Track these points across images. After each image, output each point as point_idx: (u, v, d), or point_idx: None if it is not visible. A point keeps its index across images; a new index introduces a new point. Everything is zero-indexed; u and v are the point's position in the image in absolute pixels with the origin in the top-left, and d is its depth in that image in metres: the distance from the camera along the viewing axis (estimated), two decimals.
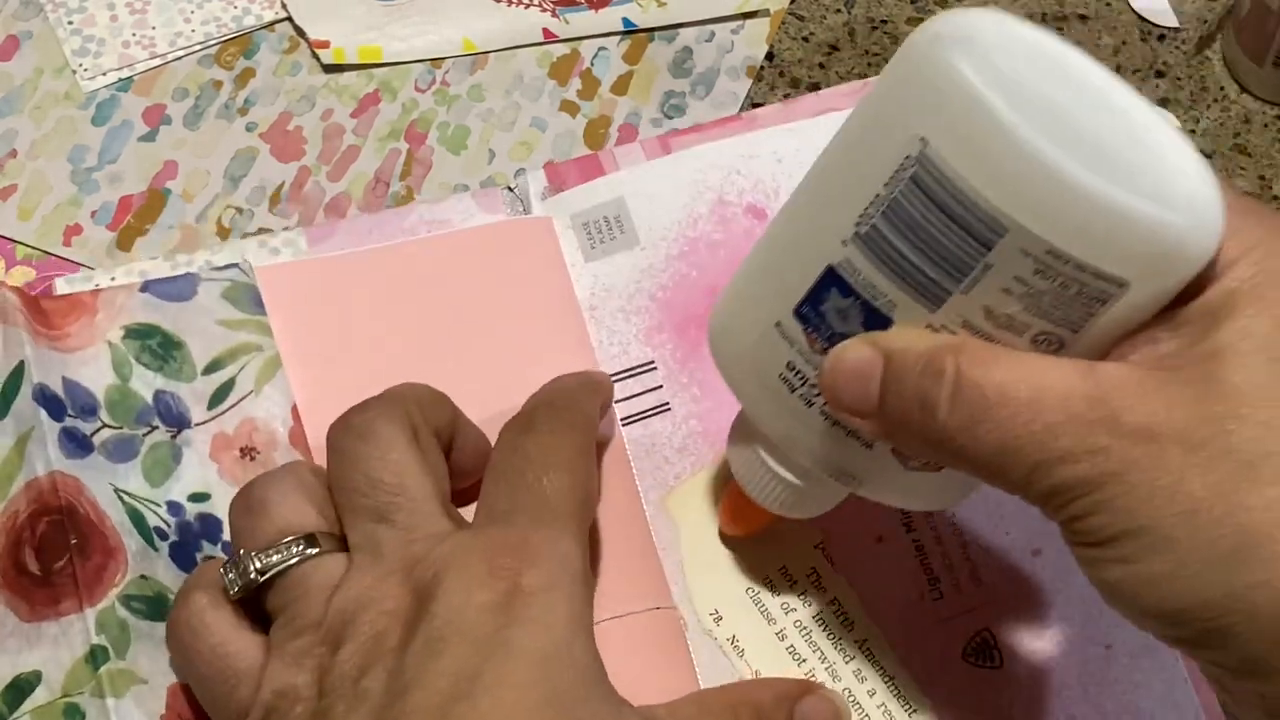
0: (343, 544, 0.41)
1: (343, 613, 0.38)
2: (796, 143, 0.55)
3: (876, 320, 0.36)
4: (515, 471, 0.41)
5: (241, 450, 0.47)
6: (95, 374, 0.47)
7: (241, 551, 0.40)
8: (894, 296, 0.35)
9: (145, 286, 0.49)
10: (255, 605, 0.41)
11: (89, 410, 0.46)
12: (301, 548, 0.40)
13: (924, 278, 0.34)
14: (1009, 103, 0.32)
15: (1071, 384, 0.33)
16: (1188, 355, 0.33)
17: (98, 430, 0.46)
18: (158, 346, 0.48)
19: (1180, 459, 0.32)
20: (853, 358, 0.36)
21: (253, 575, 0.40)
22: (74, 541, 0.43)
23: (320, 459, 0.47)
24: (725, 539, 0.48)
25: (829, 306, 0.37)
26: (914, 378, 0.34)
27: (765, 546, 0.48)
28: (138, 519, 0.45)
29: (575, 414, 0.44)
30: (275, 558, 0.40)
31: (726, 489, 0.47)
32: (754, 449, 0.43)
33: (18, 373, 0.46)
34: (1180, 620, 0.32)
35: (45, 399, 0.45)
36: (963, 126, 0.32)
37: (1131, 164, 0.32)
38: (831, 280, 0.36)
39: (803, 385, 0.39)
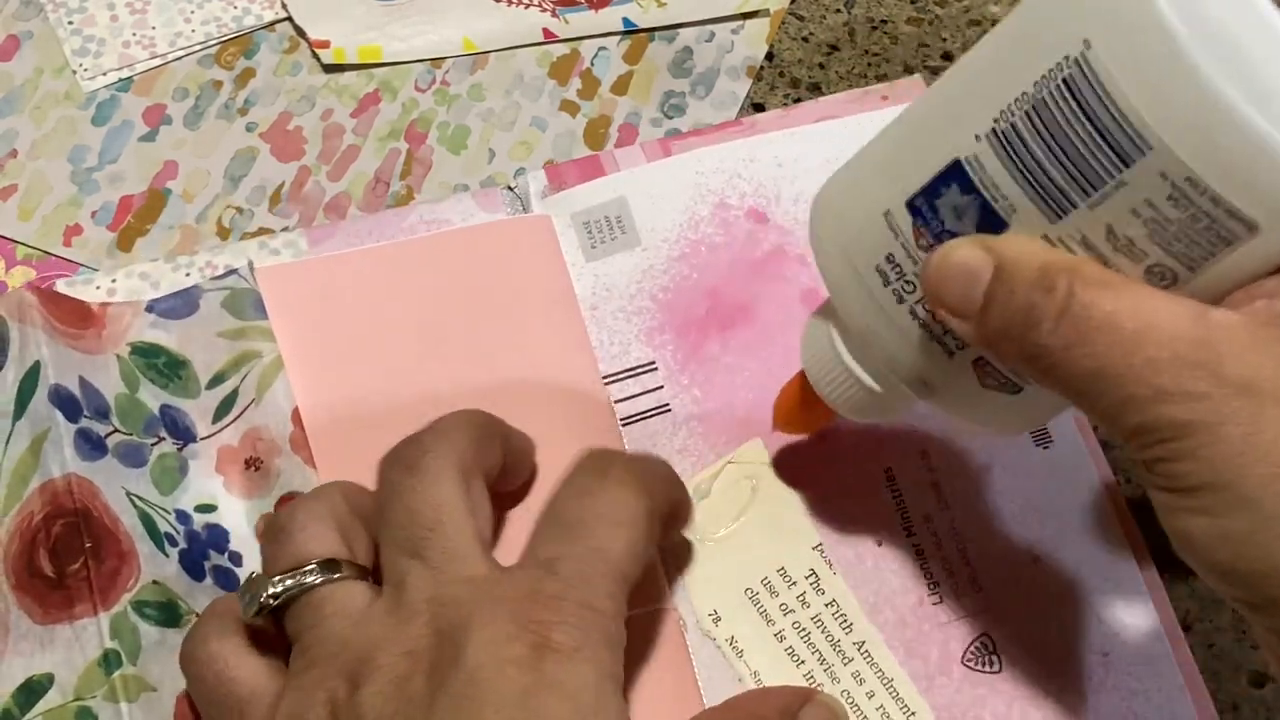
0: (366, 573, 0.40)
1: (360, 648, 0.38)
2: (798, 148, 0.55)
3: (992, 223, 0.35)
4: (576, 519, 0.40)
5: (246, 462, 0.48)
6: (107, 380, 0.48)
7: (257, 574, 0.40)
8: (1016, 201, 0.34)
9: (150, 307, 0.49)
10: (279, 635, 0.41)
11: (103, 413, 0.47)
12: (317, 573, 0.39)
13: (1053, 186, 0.33)
14: (1183, 19, 0.31)
15: (1181, 324, 0.32)
16: None
17: (111, 433, 0.46)
18: (163, 366, 0.49)
19: (1278, 419, 0.31)
20: (963, 255, 0.35)
21: (264, 598, 0.39)
22: (88, 545, 0.43)
23: (321, 460, 0.48)
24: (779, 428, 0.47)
25: (945, 202, 0.36)
26: (1024, 289, 0.34)
27: (764, 549, 0.48)
28: (149, 524, 0.45)
29: (655, 482, 0.43)
30: (289, 582, 0.39)
31: (789, 383, 0.46)
32: (831, 341, 0.42)
33: (33, 373, 0.46)
34: (1249, 583, 0.32)
35: (61, 399, 0.45)
36: (1131, 35, 0.31)
37: None
38: (955, 174, 0.35)
39: (899, 280, 0.38)
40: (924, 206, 0.36)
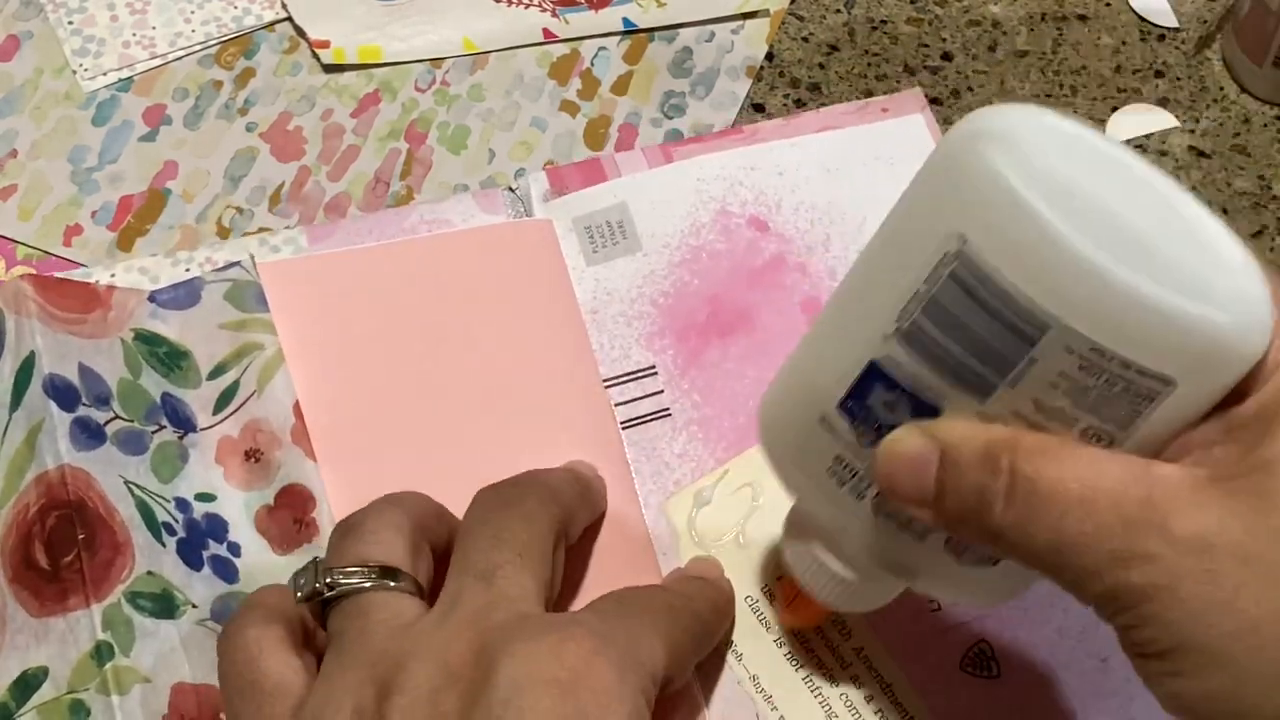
0: (423, 592, 0.40)
1: (397, 657, 0.37)
2: (798, 157, 0.55)
3: (925, 411, 0.35)
4: (640, 601, 0.41)
5: (246, 454, 0.48)
6: (110, 365, 0.48)
7: (319, 562, 0.40)
8: (941, 389, 0.35)
9: (152, 297, 0.49)
10: (318, 633, 0.41)
11: (103, 399, 0.47)
12: (377, 576, 0.39)
13: (970, 372, 0.34)
14: (1048, 201, 0.31)
15: (1124, 484, 0.32)
16: (1243, 463, 0.32)
17: (110, 420, 0.46)
18: (164, 355, 0.49)
19: (1235, 573, 0.30)
20: (908, 448, 0.35)
21: (319, 585, 0.39)
22: (82, 536, 0.44)
23: (322, 453, 0.48)
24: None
25: (875, 399, 0.36)
26: (972, 472, 0.34)
27: (766, 556, 0.48)
28: (147, 513, 0.45)
29: (698, 612, 0.44)
30: (348, 578, 0.39)
31: (780, 581, 0.47)
32: (807, 543, 0.42)
33: (28, 364, 0.46)
34: None
35: (56, 390, 0.46)
36: (1002, 225, 0.32)
37: (1174, 260, 0.31)
38: (876, 375, 0.36)
39: (852, 479, 0.38)
40: (855, 407, 0.37)
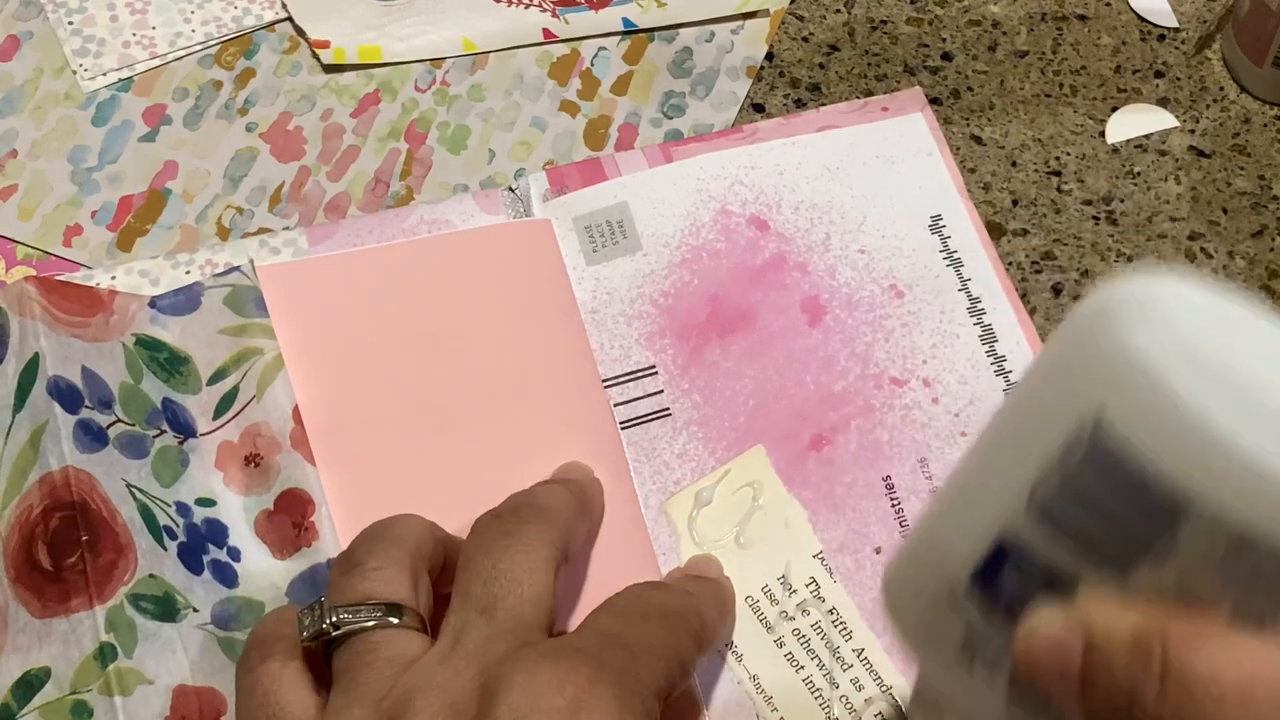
0: (425, 624, 0.40)
1: (402, 693, 0.37)
2: (798, 156, 0.55)
3: (1061, 588, 0.33)
4: (638, 610, 0.41)
5: (246, 458, 0.48)
6: (112, 368, 0.48)
7: (324, 602, 0.40)
8: (1077, 568, 0.33)
9: (153, 303, 0.49)
10: (323, 665, 0.41)
11: (105, 403, 0.47)
12: (382, 614, 0.39)
13: (1109, 551, 0.32)
14: (1191, 377, 0.30)
15: None
16: None
17: (112, 424, 0.46)
18: (165, 360, 0.49)
19: None
20: (1049, 631, 0.33)
21: (325, 626, 0.39)
22: (85, 538, 0.44)
23: (321, 457, 0.48)
24: None
25: (1007, 578, 0.34)
26: (1121, 660, 0.32)
27: (765, 557, 0.48)
28: (148, 516, 0.45)
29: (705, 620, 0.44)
30: (350, 616, 0.39)
31: None
32: None
33: (32, 366, 0.46)
34: None
35: (59, 391, 0.46)
36: (1142, 401, 0.30)
37: None
38: (1007, 551, 0.34)
39: (985, 660, 0.36)
40: (987, 585, 0.35)
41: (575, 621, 0.46)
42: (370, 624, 0.39)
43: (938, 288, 0.53)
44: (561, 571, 0.42)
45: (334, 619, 0.39)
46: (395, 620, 0.39)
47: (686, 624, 0.42)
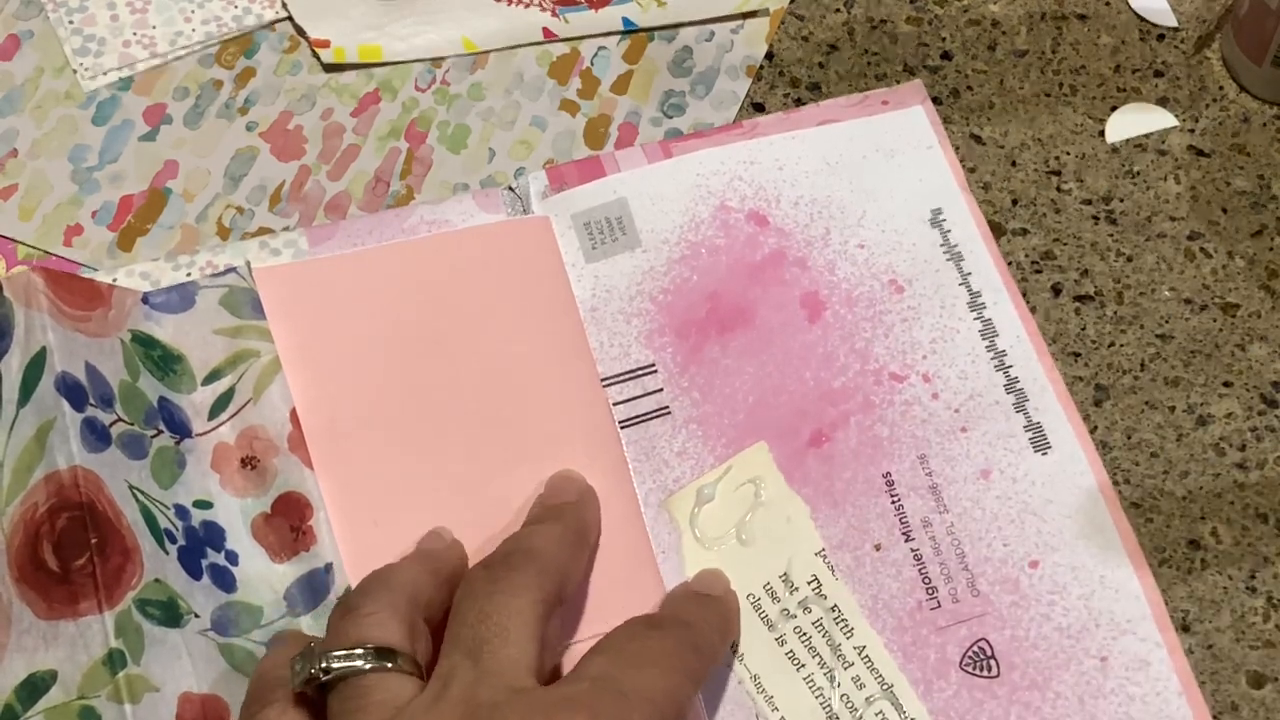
0: (421, 670, 0.41)
1: None
2: (798, 150, 0.55)
3: None
4: (633, 652, 0.41)
5: (242, 460, 0.48)
6: (111, 365, 0.47)
7: (316, 646, 0.40)
8: None
9: (146, 298, 0.49)
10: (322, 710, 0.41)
11: (107, 400, 0.46)
12: (373, 659, 0.40)
13: None
14: None
15: None
16: None
17: (114, 422, 0.46)
18: (159, 358, 0.48)
19: None
20: None
21: (314, 671, 0.40)
22: (94, 540, 0.43)
23: (319, 460, 0.48)
24: None
25: None
26: None
27: (767, 554, 0.48)
28: (150, 519, 0.45)
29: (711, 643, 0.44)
30: (342, 662, 0.40)
31: None
32: None
33: (39, 359, 0.46)
34: None
35: (67, 388, 0.45)
36: None
37: None
38: None
39: None
40: None
41: (572, 630, 0.47)
42: (365, 667, 0.39)
43: (938, 282, 0.53)
44: (554, 619, 0.43)
45: (324, 664, 0.40)
46: (389, 665, 0.40)
47: (683, 664, 0.42)
